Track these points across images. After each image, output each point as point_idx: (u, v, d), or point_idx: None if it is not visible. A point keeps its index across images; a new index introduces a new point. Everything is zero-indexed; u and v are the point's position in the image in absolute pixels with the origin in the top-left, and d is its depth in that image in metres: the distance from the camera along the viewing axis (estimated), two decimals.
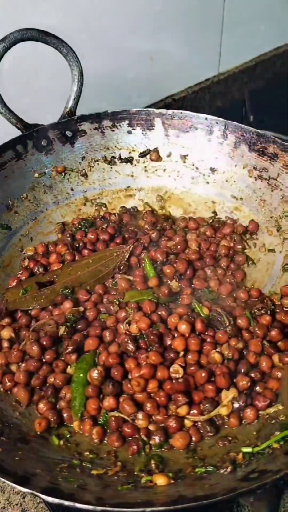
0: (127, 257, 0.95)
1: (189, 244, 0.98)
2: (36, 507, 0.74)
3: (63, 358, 0.79)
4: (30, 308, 0.87)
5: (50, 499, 0.56)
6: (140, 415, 0.72)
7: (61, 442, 0.70)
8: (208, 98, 1.61)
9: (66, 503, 0.56)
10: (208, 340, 0.79)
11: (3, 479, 0.58)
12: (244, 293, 0.90)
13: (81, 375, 0.75)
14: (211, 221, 1.04)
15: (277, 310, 0.85)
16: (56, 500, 0.56)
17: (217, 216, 1.05)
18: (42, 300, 0.87)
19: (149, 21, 1.36)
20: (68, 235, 0.99)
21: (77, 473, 0.65)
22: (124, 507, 0.56)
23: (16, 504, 0.74)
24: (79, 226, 1.02)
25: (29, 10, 1.10)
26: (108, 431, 0.72)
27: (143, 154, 1.08)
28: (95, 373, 0.74)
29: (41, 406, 0.74)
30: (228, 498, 0.56)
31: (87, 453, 0.69)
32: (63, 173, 1.05)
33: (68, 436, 0.72)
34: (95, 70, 1.10)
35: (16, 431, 0.70)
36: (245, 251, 0.99)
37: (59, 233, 1.02)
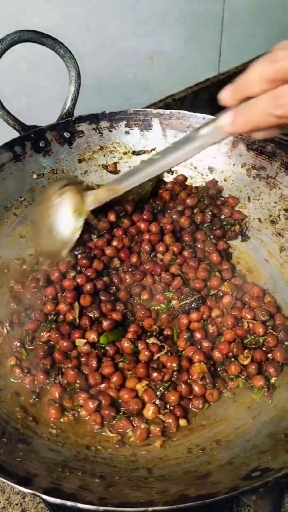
0: None
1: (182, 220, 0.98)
2: (36, 507, 0.74)
3: None
4: None
5: (52, 499, 0.56)
6: None
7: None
8: (208, 98, 1.60)
9: (68, 503, 0.56)
10: None
11: (4, 480, 0.58)
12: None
13: None
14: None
15: None
16: (58, 501, 0.56)
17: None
18: None
19: (149, 21, 1.36)
20: None
21: (79, 474, 0.65)
22: (127, 507, 0.56)
23: (16, 504, 0.74)
24: None
25: (29, 11, 1.11)
26: None
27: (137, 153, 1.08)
28: None
29: None
30: (230, 496, 0.56)
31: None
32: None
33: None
34: (95, 70, 1.10)
35: (17, 432, 0.69)
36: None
37: None
